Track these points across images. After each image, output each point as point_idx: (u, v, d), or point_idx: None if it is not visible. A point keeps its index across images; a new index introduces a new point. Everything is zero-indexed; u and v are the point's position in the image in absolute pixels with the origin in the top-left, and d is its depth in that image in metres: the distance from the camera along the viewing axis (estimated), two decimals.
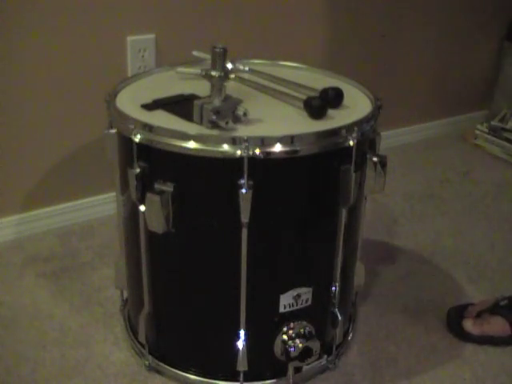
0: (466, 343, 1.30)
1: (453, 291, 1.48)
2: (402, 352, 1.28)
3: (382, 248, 1.64)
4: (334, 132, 1.01)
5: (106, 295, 1.40)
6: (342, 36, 2.01)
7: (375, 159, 1.07)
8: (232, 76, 1.07)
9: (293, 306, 1.10)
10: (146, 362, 1.20)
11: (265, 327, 1.12)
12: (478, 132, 2.35)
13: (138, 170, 1.01)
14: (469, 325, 1.30)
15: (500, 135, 2.28)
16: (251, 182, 0.97)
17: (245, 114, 1.02)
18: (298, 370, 1.16)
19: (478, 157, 2.27)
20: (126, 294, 1.30)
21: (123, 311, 1.33)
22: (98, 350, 1.25)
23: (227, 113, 1.00)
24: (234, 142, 0.96)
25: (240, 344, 1.10)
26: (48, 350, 1.24)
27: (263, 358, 1.14)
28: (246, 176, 0.96)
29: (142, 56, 1.63)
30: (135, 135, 1.00)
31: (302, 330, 1.11)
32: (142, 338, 1.19)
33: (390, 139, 2.08)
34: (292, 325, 1.11)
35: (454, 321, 1.32)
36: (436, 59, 2.28)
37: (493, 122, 2.32)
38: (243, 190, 0.96)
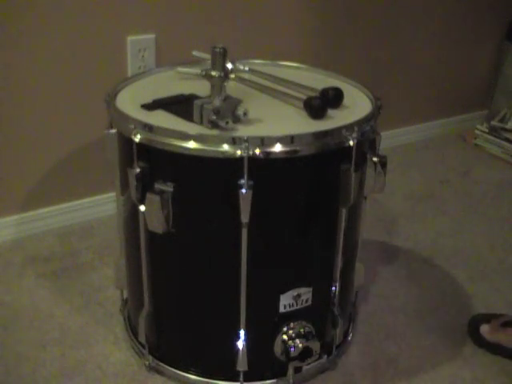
0: (466, 345, 1.30)
1: (453, 291, 1.48)
2: (402, 352, 1.28)
3: (381, 248, 1.65)
4: (334, 132, 1.00)
5: (106, 295, 1.40)
6: (343, 36, 2.01)
7: (375, 159, 1.07)
8: (232, 76, 1.06)
9: (293, 305, 1.10)
10: (146, 362, 1.20)
11: (265, 327, 1.12)
12: (477, 132, 2.35)
13: (137, 170, 1.01)
14: (485, 330, 1.29)
15: (500, 135, 2.28)
16: (251, 182, 0.97)
17: (245, 114, 1.02)
18: (297, 369, 1.16)
19: (477, 157, 2.27)
20: (126, 294, 1.30)
21: (123, 311, 1.33)
22: (98, 350, 1.25)
23: (227, 113, 1.00)
24: (234, 142, 0.96)
25: (240, 344, 1.10)
26: (48, 350, 1.24)
27: (263, 357, 1.14)
28: (245, 176, 0.96)
29: (142, 56, 1.63)
30: (135, 135, 0.99)
31: (301, 330, 1.11)
32: (141, 338, 1.19)
33: (390, 139, 2.08)
34: (292, 325, 1.11)
35: (475, 323, 1.31)
36: (436, 59, 2.29)
37: (493, 122, 2.32)
38: (243, 190, 0.96)
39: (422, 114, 2.37)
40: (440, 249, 1.65)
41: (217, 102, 1.02)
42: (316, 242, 1.11)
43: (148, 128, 0.99)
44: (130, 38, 1.60)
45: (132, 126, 1.00)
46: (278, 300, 1.09)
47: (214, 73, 1.02)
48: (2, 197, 1.58)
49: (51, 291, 1.42)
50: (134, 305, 1.23)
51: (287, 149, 0.97)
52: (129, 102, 1.11)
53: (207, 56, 1.08)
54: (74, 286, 1.44)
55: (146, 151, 1.01)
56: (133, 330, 1.26)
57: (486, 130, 2.32)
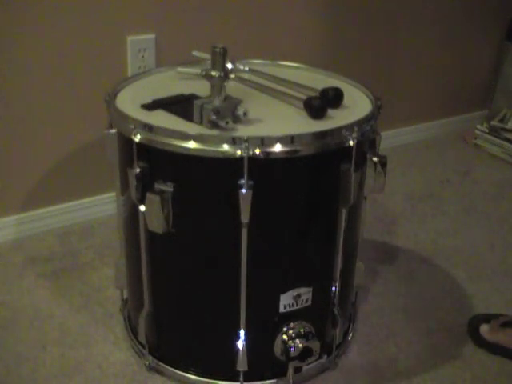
0: (466, 345, 1.30)
1: (453, 291, 1.48)
2: (402, 352, 1.28)
3: (381, 248, 1.65)
4: (333, 132, 1.00)
5: (106, 295, 1.40)
6: (343, 36, 2.01)
7: (375, 159, 1.07)
8: (232, 76, 1.06)
9: (293, 305, 1.10)
10: (146, 362, 1.20)
11: (265, 327, 1.12)
12: (477, 132, 2.35)
13: (137, 170, 1.01)
14: (485, 330, 1.29)
15: (500, 135, 2.28)
16: (251, 182, 0.97)
17: (245, 114, 1.02)
18: (297, 369, 1.16)
19: (477, 157, 2.27)
20: (126, 294, 1.30)
21: (123, 311, 1.33)
22: (98, 350, 1.25)
23: (227, 113, 1.00)
24: (234, 142, 0.96)
25: (240, 344, 1.10)
26: (48, 350, 1.24)
27: (263, 357, 1.14)
28: (245, 176, 0.96)
29: (142, 56, 1.63)
30: (135, 135, 0.99)
31: (301, 330, 1.11)
32: (141, 338, 1.19)
33: (390, 139, 2.08)
34: (292, 325, 1.11)
35: (475, 323, 1.31)
36: (436, 59, 2.29)
37: (493, 122, 2.32)
38: (243, 190, 0.96)
39: (422, 114, 2.37)
40: (440, 249, 1.65)
41: (217, 102, 1.02)
42: (316, 242, 1.11)
43: (148, 128, 0.99)
44: (129, 38, 1.60)
45: (132, 126, 1.00)
46: (278, 300, 1.09)
47: (214, 73, 1.02)
48: (2, 197, 1.59)
49: (51, 291, 1.42)
50: (134, 305, 1.23)
51: (287, 149, 0.97)
52: (129, 102, 1.11)
53: (207, 56, 1.08)
54: (74, 285, 1.44)
55: (146, 151, 1.01)
56: (133, 329, 1.26)
57: (486, 130, 2.32)
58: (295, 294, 1.10)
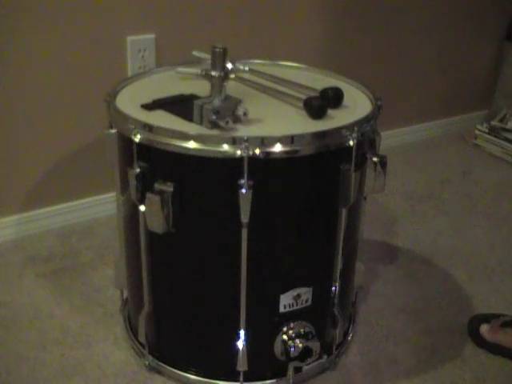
0: (466, 345, 1.30)
1: (453, 291, 1.48)
2: (402, 352, 1.28)
3: (382, 248, 1.65)
4: (333, 132, 1.00)
5: (106, 295, 1.40)
6: (342, 36, 2.01)
7: (375, 159, 1.07)
8: (232, 76, 1.06)
9: (293, 306, 1.10)
10: (146, 362, 1.20)
11: (265, 327, 1.12)
12: (478, 132, 2.35)
13: (138, 170, 1.01)
14: (485, 330, 1.28)
15: (500, 135, 2.28)
16: (251, 182, 0.97)
17: (245, 114, 1.02)
18: (298, 369, 1.16)
19: (478, 157, 2.27)
20: (126, 294, 1.30)
21: (123, 311, 1.33)
22: (98, 350, 1.25)
23: (227, 113, 1.00)
24: (234, 142, 0.96)
25: (240, 344, 1.10)
26: (48, 350, 1.24)
27: (263, 358, 1.14)
28: (245, 176, 0.96)
29: (142, 56, 1.63)
30: (135, 135, 1.00)
31: (301, 330, 1.11)
32: (141, 338, 1.19)
33: (389, 139, 2.08)
34: (292, 325, 1.11)
35: (475, 323, 1.31)
36: (436, 59, 2.29)
37: (493, 122, 2.32)
38: (243, 190, 0.96)
39: (422, 114, 2.37)
40: (440, 249, 1.65)
41: (217, 102, 1.02)
42: (316, 242, 1.11)
43: (148, 128, 0.99)
44: (129, 38, 1.60)
45: (132, 126, 1.00)
46: (278, 300, 1.09)
47: (213, 73, 1.03)
48: (2, 197, 1.59)
49: (51, 291, 1.42)
50: (134, 305, 1.23)
51: (287, 149, 0.97)
52: (129, 102, 1.11)
53: (207, 56, 1.08)
54: (74, 286, 1.44)
55: (146, 151, 1.01)
56: (133, 329, 1.26)
57: (486, 130, 2.32)
58: (295, 294, 1.10)
